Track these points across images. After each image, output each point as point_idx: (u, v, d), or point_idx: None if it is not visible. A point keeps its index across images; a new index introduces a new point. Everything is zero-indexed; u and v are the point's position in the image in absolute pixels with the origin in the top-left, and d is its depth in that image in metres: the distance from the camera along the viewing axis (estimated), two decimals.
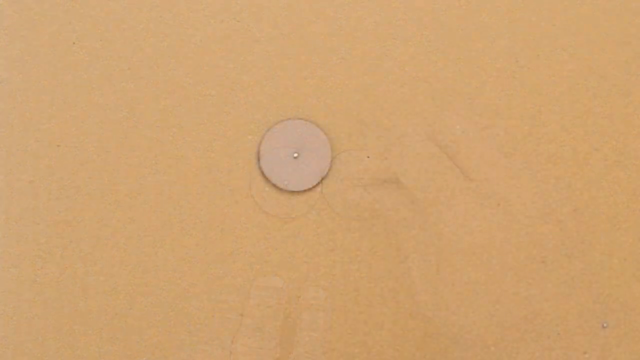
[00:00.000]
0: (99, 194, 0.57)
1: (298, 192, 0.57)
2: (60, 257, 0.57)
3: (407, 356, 0.58)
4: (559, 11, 0.58)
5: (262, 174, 0.57)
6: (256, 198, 0.57)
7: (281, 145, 0.57)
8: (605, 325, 0.58)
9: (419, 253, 0.58)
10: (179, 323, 0.57)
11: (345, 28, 0.58)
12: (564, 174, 0.58)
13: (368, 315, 0.58)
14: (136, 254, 0.57)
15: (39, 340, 0.57)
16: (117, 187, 0.57)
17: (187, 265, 0.57)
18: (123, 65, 0.57)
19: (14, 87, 0.57)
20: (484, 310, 0.58)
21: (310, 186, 0.57)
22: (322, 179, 0.57)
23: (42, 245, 0.57)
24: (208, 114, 0.57)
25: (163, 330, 0.57)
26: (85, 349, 0.57)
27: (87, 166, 0.57)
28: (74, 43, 0.57)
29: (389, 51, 0.58)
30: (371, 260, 0.58)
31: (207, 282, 0.57)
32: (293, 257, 0.57)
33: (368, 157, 0.58)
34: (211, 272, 0.57)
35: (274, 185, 0.57)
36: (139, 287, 0.57)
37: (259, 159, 0.57)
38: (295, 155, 0.57)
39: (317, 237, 0.57)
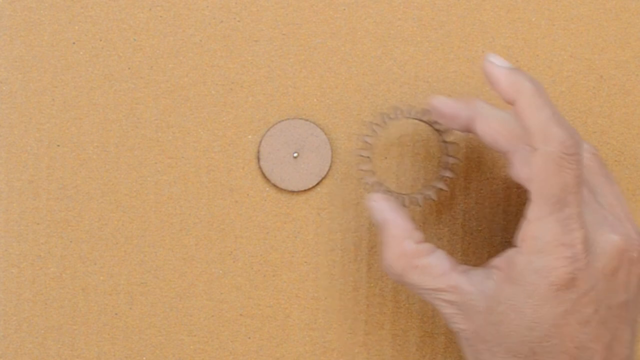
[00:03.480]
0: (99, 194, 0.57)
1: (298, 192, 0.57)
2: (60, 257, 0.57)
3: (407, 356, 0.58)
4: (559, 11, 0.58)
5: (262, 174, 0.57)
6: (256, 198, 0.57)
7: (281, 145, 0.57)
8: None
9: None
10: (179, 323, 0.57)
11: (345, 28, 0.58)
12: None
13: (368, 315, 0.58)
14: (136, 254, 0.57)
15: (39, 340, 0.57)
16: (117, 187, 0.57)
17: (187, 265, 0.57)
18: (123, 65, 0.57)
19: (14, 87, 0.57)
20: None
21: (310, 186, 0.57)
22: (322, 179, 0.57)
23: (42, 245, 0.57)
24: (208, 114, 0.57)
25: (163, 330, 0.57)
26: (85, 349, 0.57)
27: (87, 166, 0.57)
28: (74, 43, 0.57)
29: (389, 51, 0.58)
30: (371, 260, 0.58)
31: (207, 282, 0.57)
32: (293, 257, 0.57)
33: (368, 157, 0.58)
34: (211, 272, 0.57)
35: (274, 185, 0.57)
36: (139, 287, 0.57)
37: (259, 159, 0.57)
38: (295, 155, 0.57)
39: (317, 237, 0.57)
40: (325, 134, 0.57)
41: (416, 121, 0.56)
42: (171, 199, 0.57)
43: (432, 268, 0.50)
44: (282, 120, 0.57)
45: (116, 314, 0.57)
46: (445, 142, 0.55)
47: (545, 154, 0.46)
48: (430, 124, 0.55)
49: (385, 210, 0.52)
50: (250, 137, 0.57)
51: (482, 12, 0.58)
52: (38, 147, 0.57)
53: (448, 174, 0.55)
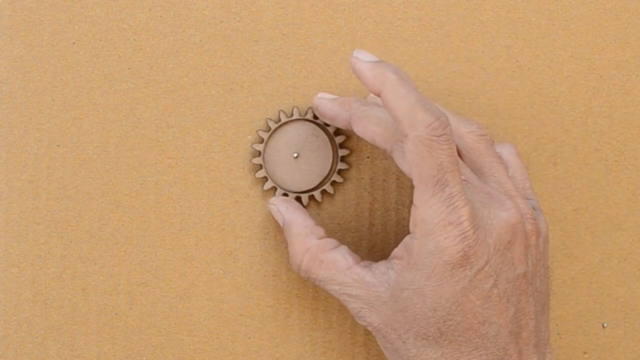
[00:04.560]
0: (99, 194, 0.57)
1: (298, 193, 0.57)
2: (60, 257, 0.57)
3: None
4: (559, 11, 0.58)
5: (266, 173, 0.57)
6: (256, 198, 0.57)
7: (281, 145, 0.57)
8: (605, 325, 0.59)
9: None
10: (179, 323, 0.57)
11: (345, 28, 0.58)
12: (564, 174, 0.58)
13: None
14: (136, 254, 0.57)
15: (39, 340, 0.57)
16: (117, 187, 0.57)
17: (187, 265, 0.57)
18: (123, 65, 0.57)
19: (14, 87, 0.57)
20: None
21: (311, 186, 0.57)
22: (323, 179, 0.57)
23: (42, 245, 0.57)
24: (208, 114, 0.57)
25: (163, 330, 0.57)
26: (85, 349, 0.57)
27: (87, 166, 0.57)
28: (74, 43, 0.57)
29: (389, 51, 0.58)
30: (371, 260, 0.58)
31: (207, 282, 0.57)
32: None
33: (368, 157, 0.58)
34: (211, 272, 0.57)
35: (278, 185, 0.57)
36: (139, 287, 0.57)
37: (263, 159, 0.57)
38: (295, 155, 0.57)
39: None
40: (326, 134, 0.57)
41: (302, 121, 0.57)
42: (171, 199, 0.57)
43: (336, 262, 0.52)
44: (282, 120, 0.56)
45: (116, 314, 0.57)
46: (333, 135, 0.56)
47: (414, 139, 0.47)
48: (315, 121, 0.56)
49: (285, 211, 0.54)
50: (250, 137, 0.57)
51: (482, 12, 0.58)
52: (38, 147, 0.57)
53: (341, 166, 0.56)
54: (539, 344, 0.50)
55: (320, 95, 0.55)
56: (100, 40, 0.57)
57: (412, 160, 0.48)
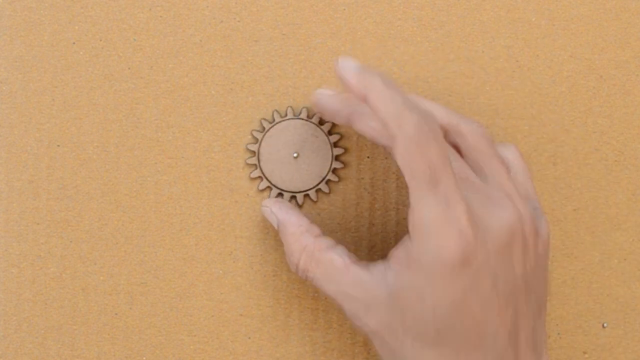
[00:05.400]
0: (99, 194, 0.57)
1: (298, 192, 0.57)
2: (60, 257, 0.57)
3: None
4: (559, 11, 0.58)
5: (262, 174, 0.57)
6: (256, 198, 0.57)
7: (281, 145, 0.57)
8: (605, 325, 0.59)
9: None
10: (179, 323, 0.57)
11: (345, 28, 0.58)
12: (564, 174, 0.58)
13: None
14: (136, 254, 0.57)
15: (39, 340, 0.57)
16: (117, 187, 0.57)
17: (187, 265, 0.57)
18: (123, 65, 0.57)
19: (14, 87, 0.57)
20: None
21: (310, 186, 0.57)
22: (322, 179, 0.57)
23: (42, 245, 0.57)
24: (208, 114, 0.57)
25: (163, 330, 0.57)
26: (85, 349, 0.57)
27: (87, 166, 0.57)
28: (74, 43, 0.57)
29: (389, 51, 0.58)
30: (371, 260, 0.58)
31: (207, 282, 0.57)
32: None
33: (368, 157, 0.58)
34: (211, 272, 0.57)
35: (274, 185, 0.57)
36: (139, 287, 0.57)
37: (259, 159, 0.57)
38: (295, 155, 0.57)
39: None
40: (325, 134, 0.57)
41: (303, 121, 0.57)
42: (171, 199, 0.57)
43: (333, 261, 0.51)
44: (282, 120, 0.56)
45: (116, 314, 0.57)
46: (329, 133, 0.56)
47: (403, 138, 0.47)
48: (311, 119, 0.56)
49: (278, 212, 0.54)
50: (250, 137, 0.57)
51: (482, 12, 0.58)
52: (38, 147, 0.57)
53: (336, 165, 0.56)
54: (536, 346, 0.50)
55: (320, 90, 0.55)
56: (100, 40, 0.57)
57: (403, 161, 0.48)
